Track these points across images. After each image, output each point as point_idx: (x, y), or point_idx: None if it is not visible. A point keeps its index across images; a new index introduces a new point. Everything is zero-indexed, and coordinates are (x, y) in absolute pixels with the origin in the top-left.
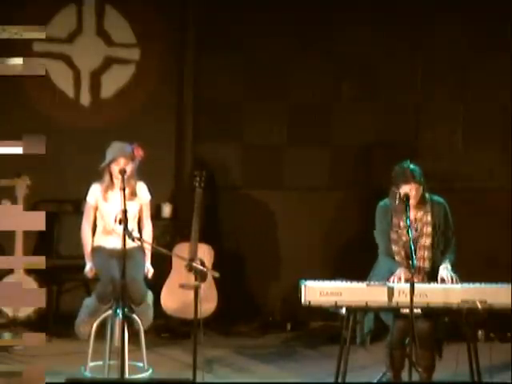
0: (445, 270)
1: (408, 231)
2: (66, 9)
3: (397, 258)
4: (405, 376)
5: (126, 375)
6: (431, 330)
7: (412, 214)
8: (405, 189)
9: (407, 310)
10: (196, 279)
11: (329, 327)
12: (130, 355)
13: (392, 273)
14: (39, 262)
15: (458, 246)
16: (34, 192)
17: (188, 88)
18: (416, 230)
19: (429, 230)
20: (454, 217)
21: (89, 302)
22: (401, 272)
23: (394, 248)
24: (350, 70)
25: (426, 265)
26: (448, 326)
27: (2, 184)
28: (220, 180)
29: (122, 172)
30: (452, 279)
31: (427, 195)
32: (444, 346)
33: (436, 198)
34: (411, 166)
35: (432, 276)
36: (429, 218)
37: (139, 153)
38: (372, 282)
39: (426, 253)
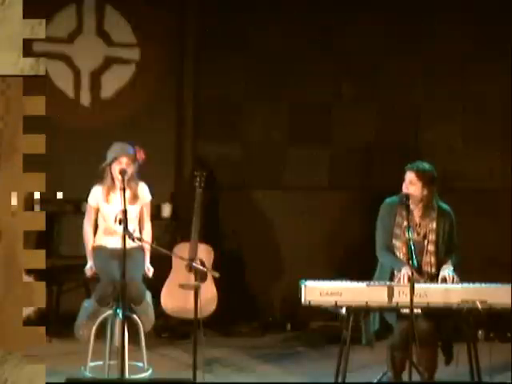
0: (446, 270)
1: (408, 231)
2: (66, 9)
3: (397, 253)
4: (405, 376)
5: (126, 375)
6: (432, 330)
7: (417, 218)
8: (407, 176)
9: (407, 310)
10: (196, 279)
11: (329, 327)
12: (129, 355)
13: (393, 270)
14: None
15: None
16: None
17: (188, 88)
18: (418, 234)
19: (433, 237)
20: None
21: (88, 304)
22: (407, 270)
23: (397, 243)
24: (350, 70)
25: (433, 270)
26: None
27: None
28: (220, 180)
29: (123, 172)
30: (453, 279)
31: (435, 202)
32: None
33: (444, 206)
34: (424, 163)
35: (437, 281)
36: (434, 225)
37: (141, 155)
38: (372, 282)
39: (432, 259)
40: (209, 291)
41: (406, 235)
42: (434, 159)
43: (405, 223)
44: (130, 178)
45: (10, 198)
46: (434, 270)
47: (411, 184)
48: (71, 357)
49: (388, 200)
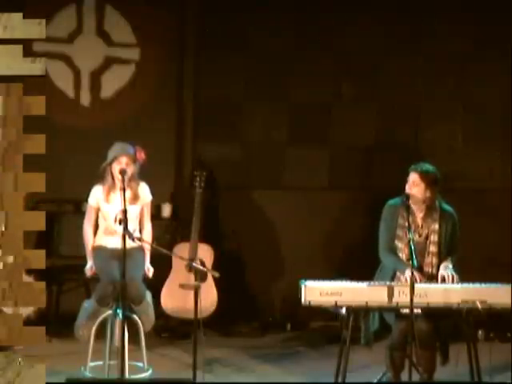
0: (446, 269)
1: (409, 231)
2: (66, 9)
3: (400, 254)
4: (405, 376)
5: (126, 375)
6: (431, 330)
7: (419, 219)
8: (411, 177)
9: (407, 310)
10: (196, 279)
11: (329, 327)
12: (129, 355)
13: (395, 271)
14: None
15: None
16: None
17: (188, 88)
18: (420, 236)
19: (435, 238)
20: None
21: (88, 304)
22: (409, 273)
23: (399, 245)
24: (350, 70)
25: (434, 271)
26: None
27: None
28: (220, 180)
29: (123, 172)
30: (452, 278)
31: (437, 203)
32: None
33: (446, 207)
34: (427, 165)
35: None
36: (436, 226)
37: (141, 156)
38: (373, 282)
39: (434, 260)
40: (209, 291)
41: (408, 235)
42: (434, 159)
43: (406, 224)
44: (130, 178)
45: (10, 198)
46: (435, 270)
47: (414, 185)
48: (71, 357)
49: (391, 201)
